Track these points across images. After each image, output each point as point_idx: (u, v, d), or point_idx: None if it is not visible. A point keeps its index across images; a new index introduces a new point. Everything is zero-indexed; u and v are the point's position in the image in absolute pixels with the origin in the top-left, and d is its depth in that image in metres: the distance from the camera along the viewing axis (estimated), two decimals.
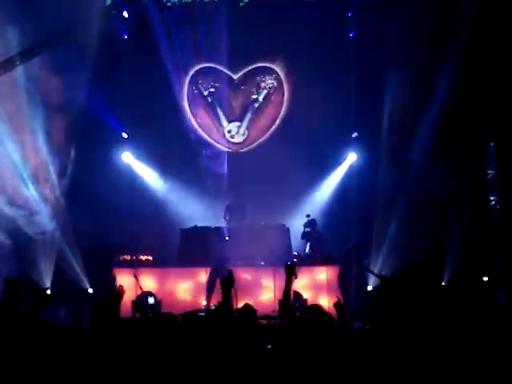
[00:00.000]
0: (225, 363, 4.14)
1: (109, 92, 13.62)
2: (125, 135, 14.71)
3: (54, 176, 12.91)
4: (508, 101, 12.48)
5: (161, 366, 4.22)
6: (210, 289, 11.54)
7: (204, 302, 11.68)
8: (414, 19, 12.03)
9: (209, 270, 11.78)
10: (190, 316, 4.49)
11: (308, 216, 13.22)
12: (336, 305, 4.94)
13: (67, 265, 12.59)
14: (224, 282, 4.85)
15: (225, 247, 11.81)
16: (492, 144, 13.24)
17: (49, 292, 12.38)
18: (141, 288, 10.20)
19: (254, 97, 15.31)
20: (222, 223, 13.39)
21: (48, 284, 12.43)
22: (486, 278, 12.36)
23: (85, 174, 13.09)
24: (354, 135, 14.46)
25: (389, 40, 12.62)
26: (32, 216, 12.51)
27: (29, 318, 4.66)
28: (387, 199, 13.06)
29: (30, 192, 12.53)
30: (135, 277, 10.17)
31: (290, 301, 4.63)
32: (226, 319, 4.50)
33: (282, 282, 5.04)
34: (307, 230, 13.13)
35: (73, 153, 13.08)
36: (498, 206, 13.18)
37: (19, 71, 12.29)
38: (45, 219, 12.63)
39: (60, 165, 13.00)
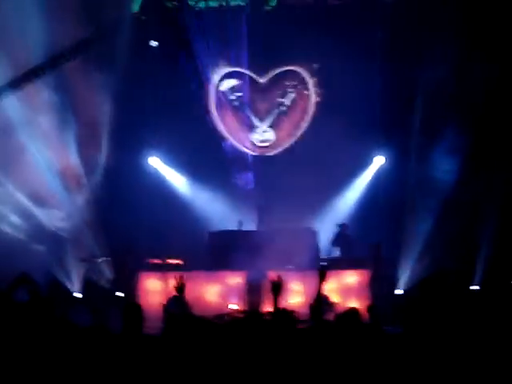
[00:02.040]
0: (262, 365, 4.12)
1: (137, 97, 13.71)
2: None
3: (84, 178, 13.05)
4: None
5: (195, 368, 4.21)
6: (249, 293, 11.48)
7: (234, 306, 11.65)
8: (445, 21, 11.95)
9: (238, 273, 11.77)
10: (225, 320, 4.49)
11: (339, 226, 13.19)
12: (370, 308, 4.88)
13: (97, 267, 12.69)
14: (274, 284, 4.83)
15: (253, 251, 11.79)
16: None
17: (79, 295, 12.54)
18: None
19: (281, 100, 15.29)
20: (250, 227, 13.40)
21: (77, 288, 12.55)
22: None
23: (115, 178, 13.21)
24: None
25: (418, 41, 12.55)
26: (59, 215, 12.66)
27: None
28: (416, 203, 12.93)
29: (60, 192, 12.68)
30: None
31: (321, 304, 4.60)
32: (267, 323, 4.47)
33: (310, 286, 5.01)
34: (337, 234, 13.10)
35: (103, 156, 13.20)
36: None
37: (48, 76, 12.45)
38: (72, 218, 12.78)
39: (90, 167, 13.13)
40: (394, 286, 12.43)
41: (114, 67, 12.84)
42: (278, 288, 4.80)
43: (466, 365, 4.24)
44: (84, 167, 13.14)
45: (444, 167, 12.98)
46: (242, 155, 15.33)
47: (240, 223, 13.02)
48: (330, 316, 4.69)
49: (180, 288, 4.93)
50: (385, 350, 3.98)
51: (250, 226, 13.67)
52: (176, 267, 12.42)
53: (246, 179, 15.11)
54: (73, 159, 12.96)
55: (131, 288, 12.15)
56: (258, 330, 4.35)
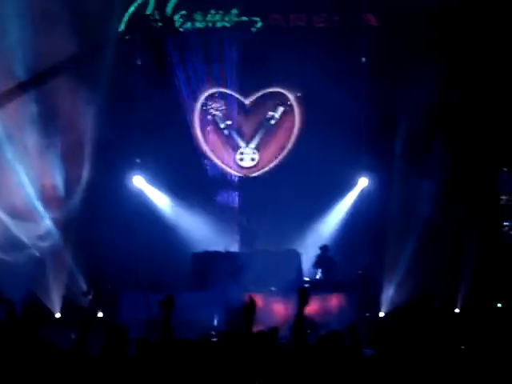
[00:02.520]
0: None
1: (121, 116, 13.69)
2: (137, 160, 14.73)
3: (65, 195, 12.96)
4: None
5: None
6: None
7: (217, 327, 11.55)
8: (428, 45, 12.12)
9: (220, 294, 11.69)
10: (205, 341, 4.45)
11: (321, 248, 13.17)
12: (349, 330, 4.85)
13: (76, 287, 12.56)
14: (245, 307, 4.75)
15: (236, 272, 11.74)
16: (505, 169, 13.19)
17: (58, 315, 12.37)
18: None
19: (265, 122, 15.34)
20: (233, 248, 13.37)
21: (58, 308, 12.40)
22: (499, 305, 12.22)
23: (97, 196, 13.13)
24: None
25: (401, 65, 12.71)
26: (40, 234, 12.55)
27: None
28: (399, 225, 12.97)
29: (40, 211, 12.58)
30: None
31: (302, 326, 4.55)
32: (246, 344, 4.42)
33: (293, 308, 4.97)
34: (319, 256, 13.09)
35: (84, 174, 13.13)
36: (511, 232, 13.07)
37: (33, 93, 12.41)
38: (53, 236, 12.68)
39: (72, 184, 13.05)
40: (378, 309, 12.43)
41: (100, 85, 12.84)
42: (304, 296, 4.70)
43: None
44: (66, 184, 13.06)
45: (426, 190, 13.07)
46: (225, 175, 15.32)
47: (226, 248, 12.96)
48: (312, 338, 4.67)
49: (167, 306, 4.78)
50: (361, 373, 3.96)
51: (234, 247, 13.62)
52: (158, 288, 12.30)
53: (229, 197, 15.08)
54: (55, 176, 12.88)
55: (112, 308, 12.02)
56: (236, 351, 4.30)
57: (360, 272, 12.49)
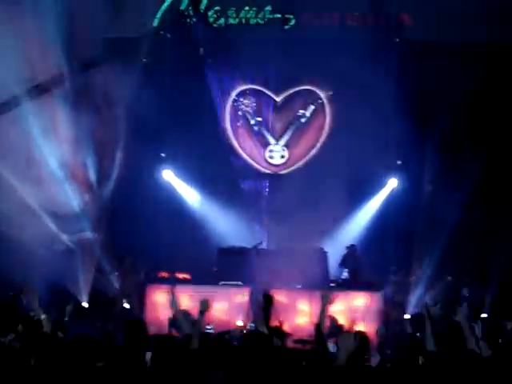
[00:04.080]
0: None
1: (152, 110, 13.79)
2: (162, 154, 14.85)
3: (95, 187, 13.13)
4: None
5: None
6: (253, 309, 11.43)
7: (240, 322, 11.59)
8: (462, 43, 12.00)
9: (246, 289, 11.73)
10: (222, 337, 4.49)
11: (348, 248, 13.14)
12: (378, 330, 4.86)
13: (105, 278, 12.71)
14: (262, 303, 4.82)
15: (262, 268, 11.76)
16: None
17: (86, 305, 12.55)
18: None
19: (296, 119, 15.33)
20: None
21: (85, 298, 12.57)
22: None
23: (127, 188, 13.28)
24: (398, 163, 14.37)
25: (435, 63, 12.60)
26: (70, 225, 12.73)
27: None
28: (429, 226, 12.86)
29: (71, 202, 12.75)
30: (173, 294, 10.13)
31: (323, 328, 4.59)
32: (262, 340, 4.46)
33: (318, 306, 5.00)
34: (346, 255, 13.06)
35: (115, 167, 13.28)
36: None
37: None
38: (85, 229, 12.86)
39: (103, 176, 13.22)
40: (404, 311, 12.35)
41: (132, 79, 12.96)
42: (326, 300, 4.75)
43: None
44: (97, 177, 13.23)
45: (456, 192, 12.94)
46: (253, 170, 15.35)
47: (259, 243, 12.94)
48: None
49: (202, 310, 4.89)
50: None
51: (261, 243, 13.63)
52: (184, 281, 12.41)
53: (257, 190, 15.09)
54: (87, 168, 13.06)
55: (138, 300, 12.16)
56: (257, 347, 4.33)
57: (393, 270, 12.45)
